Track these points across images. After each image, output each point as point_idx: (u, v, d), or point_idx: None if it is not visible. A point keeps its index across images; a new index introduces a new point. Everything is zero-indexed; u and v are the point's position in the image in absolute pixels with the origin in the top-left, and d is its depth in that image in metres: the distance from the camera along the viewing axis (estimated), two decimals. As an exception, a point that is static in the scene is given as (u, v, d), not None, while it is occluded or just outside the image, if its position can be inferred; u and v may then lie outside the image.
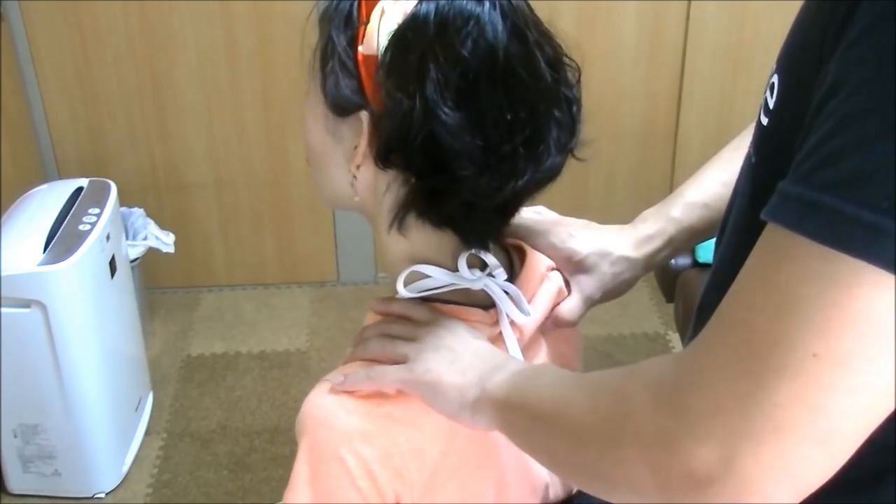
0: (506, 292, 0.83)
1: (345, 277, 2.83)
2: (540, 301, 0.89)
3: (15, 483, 2.10)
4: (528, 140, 0.74)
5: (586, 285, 0.93)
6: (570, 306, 0.92)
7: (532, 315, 0.85)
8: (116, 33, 2.47)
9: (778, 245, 0.51)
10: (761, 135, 0.68)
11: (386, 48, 0.73)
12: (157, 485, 2.14)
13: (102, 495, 2.11)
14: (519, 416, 0.74)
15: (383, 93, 0.73)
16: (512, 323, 0.84)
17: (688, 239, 0.96)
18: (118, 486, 2.13)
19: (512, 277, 0.87)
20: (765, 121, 0.67)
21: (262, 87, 2.54)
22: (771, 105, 0.65)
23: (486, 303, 0.84)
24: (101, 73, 2.51)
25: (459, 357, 0.78)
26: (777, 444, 0.51)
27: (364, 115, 0.76)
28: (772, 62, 0.68)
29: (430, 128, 0.71)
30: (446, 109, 0.71)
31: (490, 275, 0.83)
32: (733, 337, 0.53)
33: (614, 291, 0.94)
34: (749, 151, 0.73)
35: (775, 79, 0.65)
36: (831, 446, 0.52)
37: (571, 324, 0.92)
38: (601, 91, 2.58)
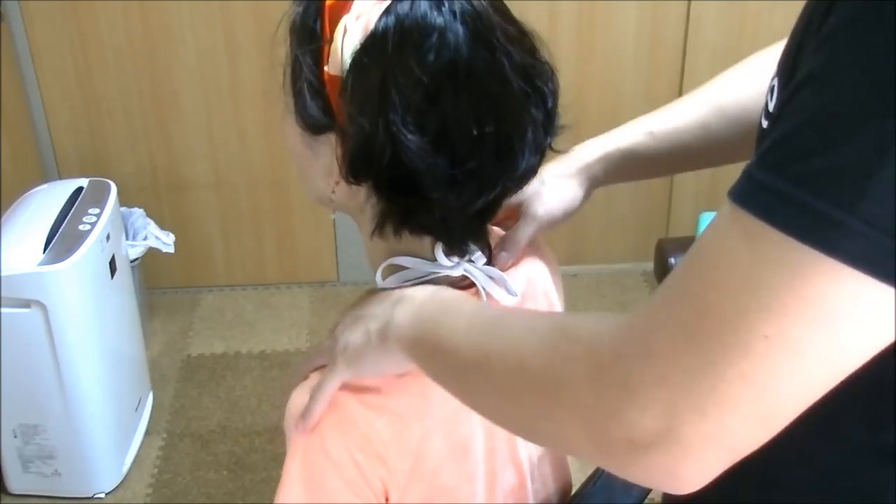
0: (489, 276, 0.83)
1: (345, 277, 2.83)
2: (519, 280, 0.90)
3: (15, 483, 2.10)
4: (497, 152, 0.74)
5: (529, 210, 0.93)
6: (515, 229, 0.92)
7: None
8: (116, 33, 2.47)
9: (741, 227, 0.52)
10: (762, 138, 0.68)
11: (347, 71, 0.72)
12: (157, 485, 2.14)
13: (102, 495, 2.11)
14: (433, 358, 0.73)
15: (346, 117, 0.73)
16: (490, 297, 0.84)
17: (627, 162, 0.95)
18: (118, 486, 2.13)
19: (492, 259, 0.87)
20: (765, 124, 0.67)
21: (262, 87, 2.54)
22: (770, 108, 0.66)
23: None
24: (101, 73, 2.52)
25: (363, 314, 0.78)
26: (720, 419, 0.52)
27: (333, 138, 0.76)
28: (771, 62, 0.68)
29: (394, 151, 0.71)
30: (408, 134, 0.70)
31: (470, 260, 0.83)
32: (685, 310, 0.54)
33: (560, 208, 0.94)
34: (753, 154, 0.73)
35: (775, 82, 0.66)
36: (769, 421, 0.53)
37: (518, 246, 0.91)
38: (601, 91, 2.58)
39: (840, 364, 0.52)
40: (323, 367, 0.81)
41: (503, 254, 0.89)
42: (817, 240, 0.49)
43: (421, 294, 0.76)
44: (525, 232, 0.92)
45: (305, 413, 0.78)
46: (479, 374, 0.68)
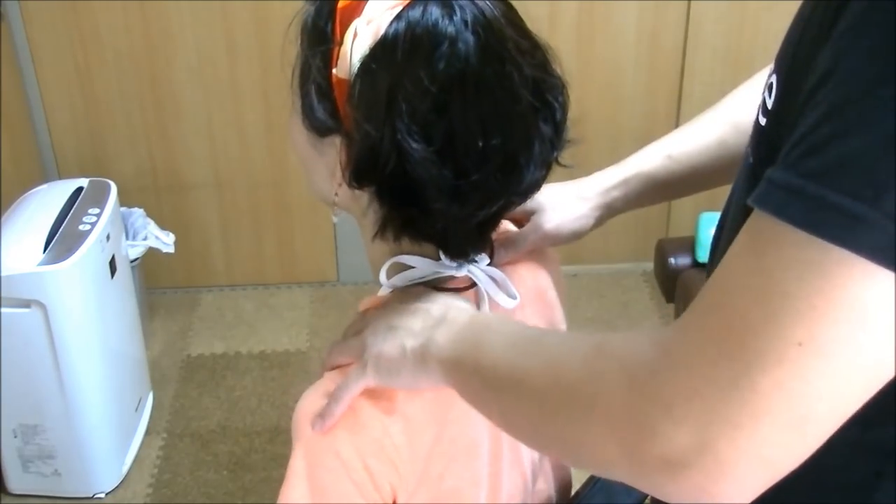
0: (492, 278, 0.83)
1: (345, 277, 2.83)
2: (519, 282, 0.89)
3: (15, 483, 2.10)
4: (503, 165, 0.73)
5: (537, 220, 0.94)
6: (520, 233, 0.92)
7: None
8: (116, 33, 2.47)
9: (762, 231, 0.51)
10: (759, 135, 0.68)
11: (355, 77, 0.71)
12: (157, 485, 2.14)
13: (102, 495, 2.11)
14: (471, 378, 0.72)
15: (352, 122, 0.72)
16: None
17: (647, 187, 0.96)
18: (118, 486, 2.13)
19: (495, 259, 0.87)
20: (763, 121, 0.67)
21: (262, 87, 2.54)
22: (769, 105, 0.65)
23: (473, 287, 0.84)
24: (101, 73, 2.52)
25: (399, 326, 0.77)
26: (754, 430, 0.51)
27: (338, 141, 0.76)
28: (772, 62, 0.68)
29: (398, 160, 0.70)
30: (414, 143, 0.70)
31: (473, 261, 0.83)
32: (714, 321, 0.53)
33: (569, 228, 0.94)
34: (747, 151, 0.73)
35: (773, 79, 0.65)
36: (807, 431, 0.51)
37: (515, 250, 0.91)
38: (601, 92, 2.58)
39: (874, 367, 0.50)
40: (340, 366, 0.81)
41: (501, 251, 0.89)
42: (835, 234, 0.47)
43: (462, 317, 0.76)
44: (527, 239, 0.92)
45: (325, 412, 0.76)
46: (516, 391, 0.67)
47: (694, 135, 0.96)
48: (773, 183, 0.51)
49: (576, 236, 0.95)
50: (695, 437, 0.52)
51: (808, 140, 0.50)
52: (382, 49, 0.71)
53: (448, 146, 0.71)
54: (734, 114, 0.95)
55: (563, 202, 0.94)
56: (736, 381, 0.51)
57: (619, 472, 0.59)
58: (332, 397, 0.77)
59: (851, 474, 0.66)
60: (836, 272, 0.48)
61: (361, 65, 0.71)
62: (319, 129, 0.78)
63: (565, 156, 0.80)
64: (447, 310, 0.77)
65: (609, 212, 0.96)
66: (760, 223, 0.52)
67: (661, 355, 0.56)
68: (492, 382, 0.70)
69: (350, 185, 0.76)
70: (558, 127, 0.77)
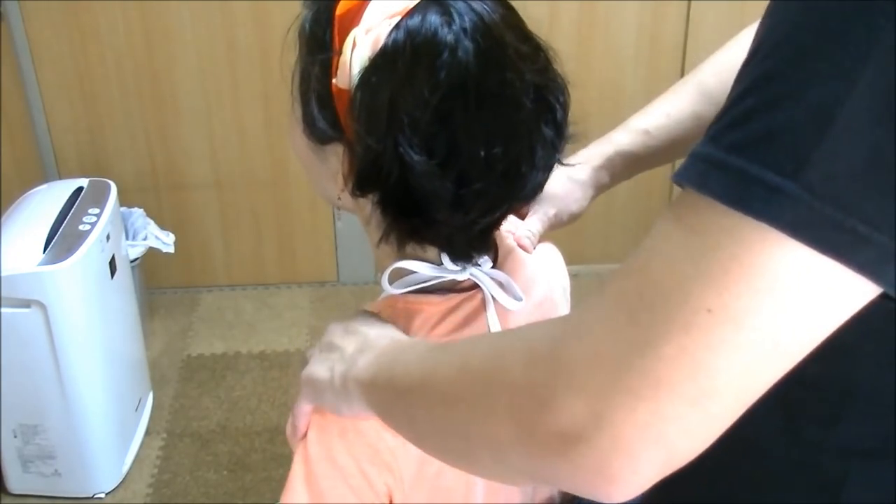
0: (495, 280, 0.83)
1: (345, 277, 2.83)
2: (531, 276, 0.89)
3: (15, 483, 2.10)
4: (505, 173, 0.73)
5: (543, 208, 0.95)
6: (527, 226, 0.92)
7: (526, 296, 0.85)
8: (116, 33, 2.47)
9: (683, 202, 0.50)
10: None
11: (355, 88, 0.71)
12: (157, 485, 2.14)
13: (102, 495, 2.11)
14: (385, 393, 0.71)
15: (354, 134, 0.72)
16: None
17: (628, 164, 0.99)
18: (118, 486, 2.13)
19: (498, 261, 0.86)
20: None
21: (262, 87, 2.54)
22: None
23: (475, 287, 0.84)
24: (101, 73, 2.51)
25: (331, 352, 0.78)
26: (654, 401, 0.48)
27: (340, 150, 0.76)
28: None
29: (400, 172, 0.70)
30: (416, 155, 0.69)
31: (476, 264, 0.83)
32: (627, 286, 0.51)
33: (567, 211, 0.97)
34: None
35: None
36: (708, 407, 0.49)
37: (530, 243, 0.91)
38: (601, 91, 2.58)
39: (782, 345, 0.48)
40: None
41: (525, 241, 0.89)
42: (754, 206, 0.46)
43: (383, 341, 0.75)
44: (534, 226, 0.93)
45: (296, 427, 0.79)
46: (423, 388, 0.65)
47: (670, 108, 0.99)
48: (696, 156, 0.50)
49: (574, 219, 0.97)
50: (592, 408, 0.49)
51: (730, 113, 0.49)
52: (382, 60, 0.70)
53: (450, 157, 0.70)
54: (705, 83, 0.98)
55: (559, 188, 0.95)
56: (640, 348, 0.49)
57: (515, 459, 0.56)
58: (293, 414, 0.79)
59: (818, 472, 0.66)
60: (752, 242, 0.46)
61: (361, 76, 0.71)
62: (321, 138, 0.78)
63: (566, 154, 0.80)
64: (377, 336, 0.76)
65: (599, 190, 0.99)
66: (684, 195, 0.50)
67: (569, 324, 0.54)
68: (403, 390, 0.68)
69: (353, 194, 0.75)
70: (559, 128, 0.76)
